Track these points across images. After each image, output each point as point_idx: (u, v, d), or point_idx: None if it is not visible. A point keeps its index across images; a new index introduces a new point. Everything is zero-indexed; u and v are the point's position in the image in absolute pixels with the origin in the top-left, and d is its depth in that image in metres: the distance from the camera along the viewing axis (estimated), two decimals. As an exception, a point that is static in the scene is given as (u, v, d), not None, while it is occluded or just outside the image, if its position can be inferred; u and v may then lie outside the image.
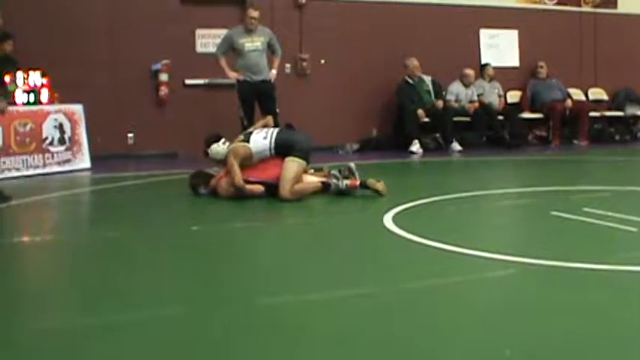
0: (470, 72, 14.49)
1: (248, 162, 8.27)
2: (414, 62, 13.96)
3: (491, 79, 14.89)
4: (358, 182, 8.25)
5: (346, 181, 8.24)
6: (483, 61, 15.07)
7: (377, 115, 14.37)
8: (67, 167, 10.89)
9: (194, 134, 12.44)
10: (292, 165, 8.11)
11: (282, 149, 8.22)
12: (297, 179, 8.17)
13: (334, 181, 8.25)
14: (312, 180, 8.37)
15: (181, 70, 12.83)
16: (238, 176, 8.09)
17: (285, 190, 8.03)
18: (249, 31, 11.00)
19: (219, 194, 8.24)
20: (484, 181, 10.13)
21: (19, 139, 10.32)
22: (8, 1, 11.31)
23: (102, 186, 9.72)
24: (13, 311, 4.30)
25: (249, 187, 8.14)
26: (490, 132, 14.52)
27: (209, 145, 8.51)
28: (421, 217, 7.06)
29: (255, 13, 10.97)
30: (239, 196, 8.07)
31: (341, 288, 4.59)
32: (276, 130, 8.54)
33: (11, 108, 10.22)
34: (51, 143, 10.73)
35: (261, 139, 8.34)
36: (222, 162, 8.41)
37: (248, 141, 8.33)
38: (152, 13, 12.82)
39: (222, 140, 8.50)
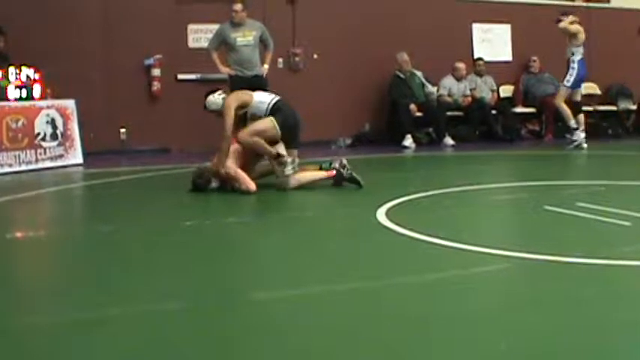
0: (461, 65, 14.51)
1: (241, 111, 8.35)
2: (403, 56, 13.96)
3: (482, 74, 14.90)
4: (334, 173, 8.40)
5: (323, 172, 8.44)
6: (476, 56, 15.08)
7: (370, 110, 14.36)
8: (59, 163, 10.85)
9: (187, 129, 12.47)
10: (266, 123, 8.29)
11: (275, 112, 8.36)
12: (259, 134, 8.24)
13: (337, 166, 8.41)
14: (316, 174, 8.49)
15: (174, 65, 12.80)
16: (229, 122, 8.17)
17: (244, 133, 8.22)
18: (240, 26, 10.96)
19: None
20: (477, 175, 10.12)
21: (12, 135, 10.28)
22: (0, -4, 11.30)
23: (95, 181, 9.70)
24: (7, 306, 4.29)
25: (241, 173, 8.17)
26: (483, 126, 14.54)
27: (206, 97, 8.64)
28: (414, 212, 7.05)
29: (237, 6, 10.91)
30: (232, 177, 8.16)
31: (334, 283, 4.58)
32: (278, 98, 8.59)
33: (3, 103, 10.23)
34: (43, 139, 10.70)
35: (266, 94, 8.61)
36: (219, 113, 8.46)
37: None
38: (145, 8, 12.79)
39: (219, 92, 8.61)
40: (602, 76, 15.85)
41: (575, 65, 12.80)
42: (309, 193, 8.10)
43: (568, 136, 13.03)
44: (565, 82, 12.88)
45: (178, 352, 3.47)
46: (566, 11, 13.22)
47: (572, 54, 12.85)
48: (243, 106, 8.37)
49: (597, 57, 15.66)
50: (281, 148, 8.34)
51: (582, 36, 12.87)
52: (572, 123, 12.93)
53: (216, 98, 8.51)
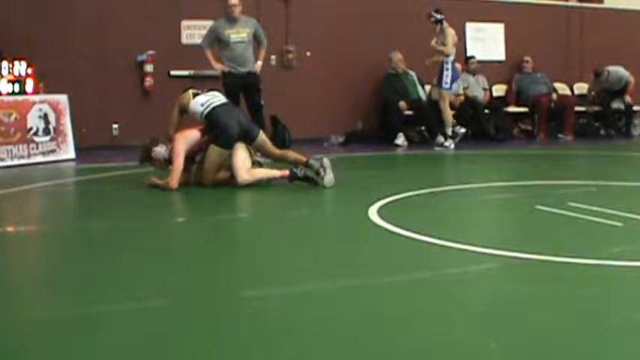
0: (456, 65, 14.50)
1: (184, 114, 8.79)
2: (397, 55, 13.99)
3: (475, 73, 14.91)
4: (288, 172, 8.35)
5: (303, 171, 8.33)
6: (469, 55, 15.08)
7: (362, 108, 14.36)
8: (51, 157, 10.86)
9: (179, 125, 12.43)
10: (215, 156, 8.38)
11: (210, 126, 8.51)
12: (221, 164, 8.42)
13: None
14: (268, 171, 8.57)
15: (167, 61, 12.79)
16: (173, 122, 8.79)
17: (207, 177, 8.41)
18: (233, 22, 10.93)
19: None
20: (469, 174, 10.14)
21: (4, 129, 10.28)
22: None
23: (86, 177, 9.69)
24: (-3, 302, 4.28)
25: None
26: (475, 125, 14.54)
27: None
28: (406, 211, 7.05)
29: (234, 0, 10.89)
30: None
31: (326, 280, 4.58)
32: (217, 103, 8.62)
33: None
34: (35, 133, 10.69)
35: (203, 101, 8.64)
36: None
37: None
38: (138, 4, 12.78)
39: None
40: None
41: (449, 67, 12.97)
42: (302, 192, 8.10)
43: (440, 141, 13.20)
44: (444, 85, 13.06)
45: (167, 349, 3.46)
46: (438, 8, 13.15)
47: (447, 55, 12.96)
48: (183, 110, 8.77)
49: (590, 57, 15.71)
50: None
51: (455, 39, 13.08)
52: (450, 131, 13.15)
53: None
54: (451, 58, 12.94)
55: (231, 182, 8.33)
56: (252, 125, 8.80)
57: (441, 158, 12.47)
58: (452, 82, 12.99)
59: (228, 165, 8.36)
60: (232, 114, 8.62)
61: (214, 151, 8.34)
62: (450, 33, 12.95)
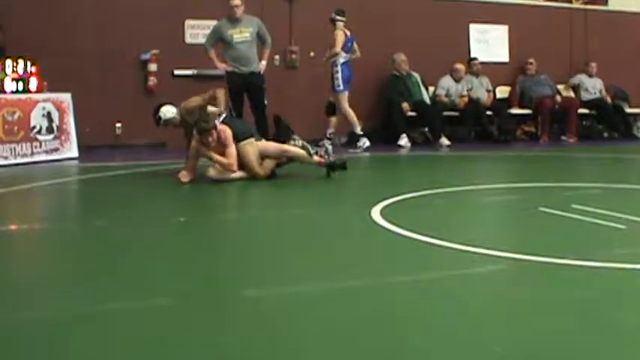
0: (460, 67, 14.53)
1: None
2: (401, 57, 13.98)
3: (478, 74, 14.89)
4: (324, 161, 8.86)
5: (316, 157, 8.88)
6: (472, 57, 15.07)
7: (365, 109, 14.31)
8: (54, 156, 10.86)
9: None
10: (247, 149, 8.69)
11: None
12: (259, 155, 8.74)
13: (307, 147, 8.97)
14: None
15: (170, 60, 12.80)
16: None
17: (255, 170, 8.64)
18: (236, 22, 10.91)
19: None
20: (472, 176, 10.13)
21: (7, 128, 10.28)
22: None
23: (89, 175, 9.69)
24: (-1, 300, 4.28)
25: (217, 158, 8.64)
26: (478, 127, 14.54)
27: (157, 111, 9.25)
28: (409, 211, 7.05)
29: (236, 1, 10.87)
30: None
31: (328, 280, 4.58)
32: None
33: (0, 96, 10.22)
34: (39, 132, 10.70)
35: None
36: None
37: None
38: (142, 3, 12.78)
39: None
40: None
41: (339, 69, 12.85)
42: (304, 190, 8.10)
43: (359, 145, 13.01)
44: (337, 88, 12.89)
45: (168, 349, 3.46)
46: (341, 10, 13.03)
47: (334, 57, 12.88)
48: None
49: (594, 59, 15.70)
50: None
51: (345, 40, 12.86)
52: (359, 130, 13.06)
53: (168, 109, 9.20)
54: (341, 60, 12.81)
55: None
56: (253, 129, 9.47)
57: (444, 159, 12.47)
58: (345, 82, 12.85)
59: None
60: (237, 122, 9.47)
61: (245, 147, 8.65)
62: (340, 36, 12.78)
